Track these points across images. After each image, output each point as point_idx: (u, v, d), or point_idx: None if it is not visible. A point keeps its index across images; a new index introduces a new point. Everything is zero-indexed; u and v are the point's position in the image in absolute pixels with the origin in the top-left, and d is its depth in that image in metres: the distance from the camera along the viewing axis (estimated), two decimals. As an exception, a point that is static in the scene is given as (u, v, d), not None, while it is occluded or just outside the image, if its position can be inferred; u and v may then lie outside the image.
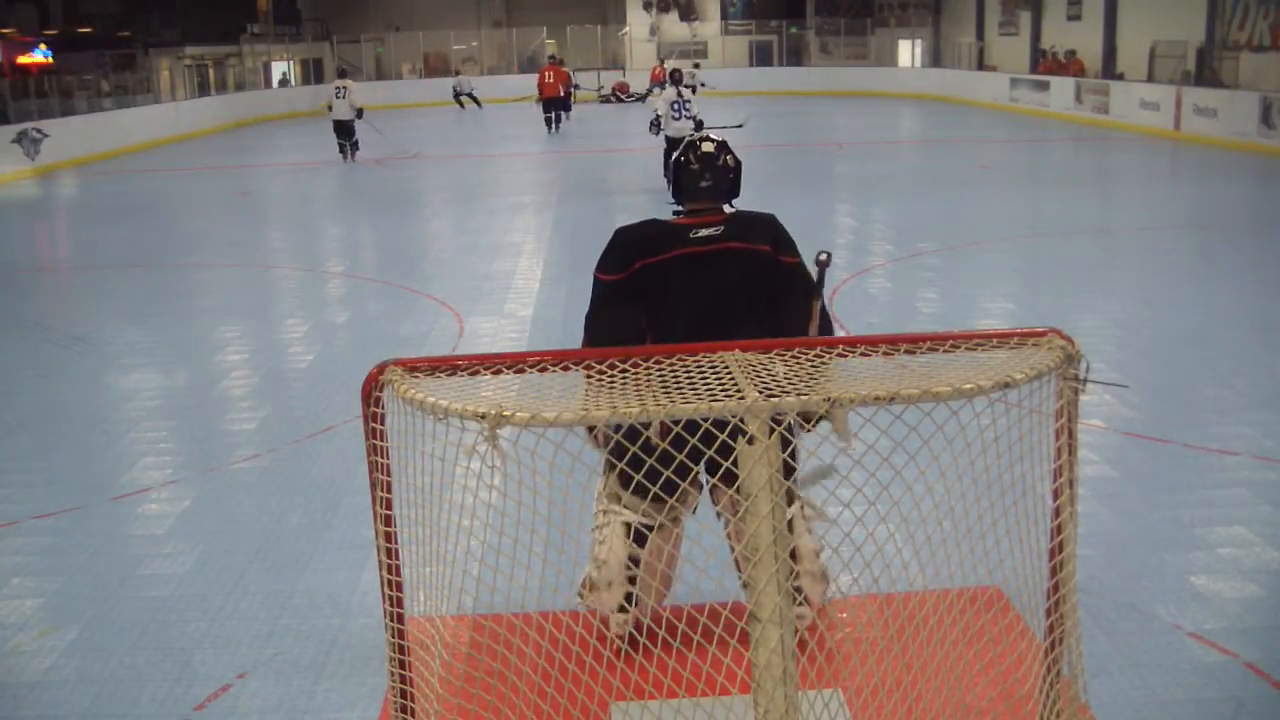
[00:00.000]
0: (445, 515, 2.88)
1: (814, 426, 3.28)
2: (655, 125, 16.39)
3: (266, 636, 4.39)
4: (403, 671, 2.93)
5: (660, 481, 2.92)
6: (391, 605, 2.90)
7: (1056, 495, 2.80)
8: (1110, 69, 28.07)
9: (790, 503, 3.54)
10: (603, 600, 3.80)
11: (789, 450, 2.91)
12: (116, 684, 4.09)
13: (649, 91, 29.11)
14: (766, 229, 3.82)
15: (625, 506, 3.72)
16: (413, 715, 2.97)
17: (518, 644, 3.63)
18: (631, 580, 3.74)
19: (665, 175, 16.64)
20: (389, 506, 2.78)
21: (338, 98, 21.65)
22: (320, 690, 4.02)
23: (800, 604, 3.50)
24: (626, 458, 3.16)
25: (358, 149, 22.06)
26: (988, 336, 2.85)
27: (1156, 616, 4.34)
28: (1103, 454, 5.99)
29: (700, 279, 3.66)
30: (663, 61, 35.11)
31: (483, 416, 2.43)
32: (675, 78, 16.72)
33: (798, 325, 3.68)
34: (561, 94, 26.98)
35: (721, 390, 2.54)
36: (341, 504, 5.62)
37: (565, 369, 2.74)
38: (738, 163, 3.89)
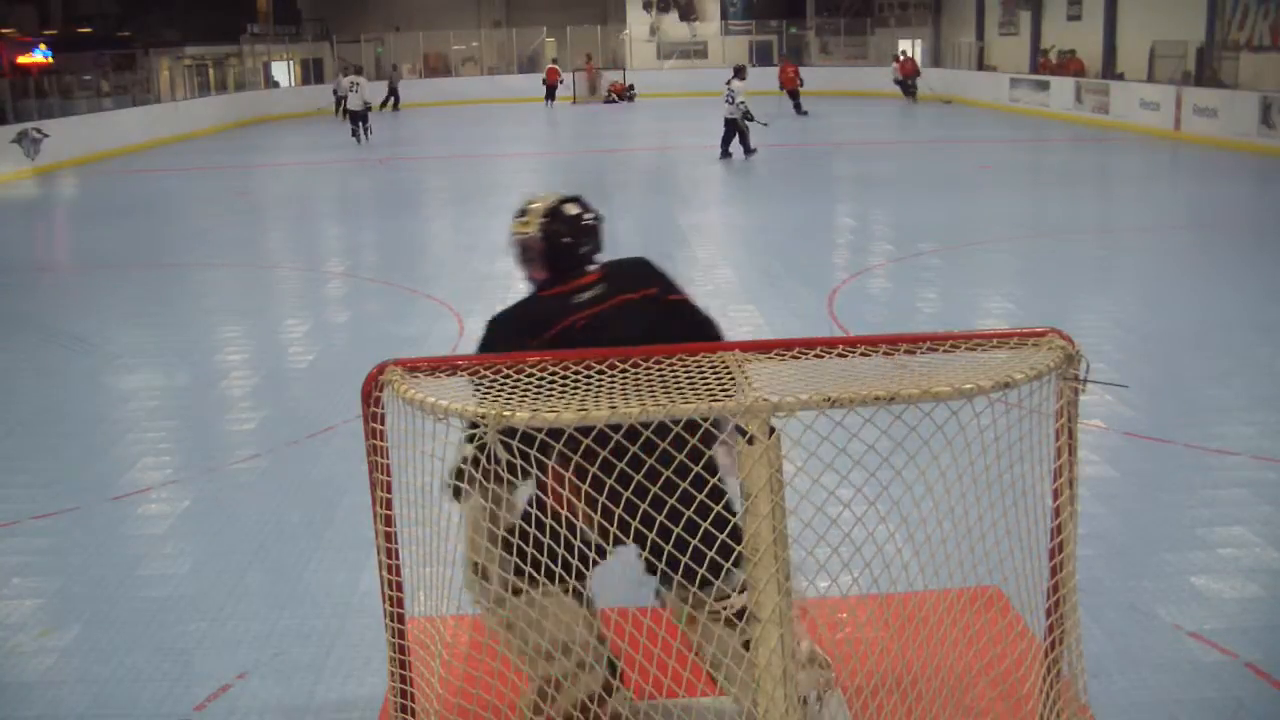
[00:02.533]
0: (445, 515, 2.89)
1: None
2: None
3: (266, 636, 4.39)
4: (403, 671, 2.93)
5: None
6: (391, 605, 2.90)
7: (1056, 495, 2.80)
8: (1110, 69, 28.07)
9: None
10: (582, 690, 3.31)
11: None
12: (116, 684, 4.09)
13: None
14: (646, 271, 3.53)
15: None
16: (413, 715, 2.97)
17: (518, 644, 3.63)
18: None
19: (722, 150, 20.15)
20: (389, 506, 2.79)
21: (352, 91, 25.76)
22: (320, 690, 4.02)
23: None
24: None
25: (371, 133, 25.80)
26: (988, 336, 2.85)
27: (1156, 616, 4.34)
28: (1103, 454, 5.99)
29: (603, 343, 3.21)
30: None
31: (483, 416, 2.43)
32: (738, 73, 20.17)
33: None
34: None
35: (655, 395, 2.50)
36: (341, 504, 5.62)
37: (565, 369, 2.74)
38: (599, 215, 3.54)
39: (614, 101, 37.55)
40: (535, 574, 3.18)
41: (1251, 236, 12.72)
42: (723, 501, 2.99)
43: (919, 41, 40.43)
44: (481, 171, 20.88)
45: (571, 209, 3.43)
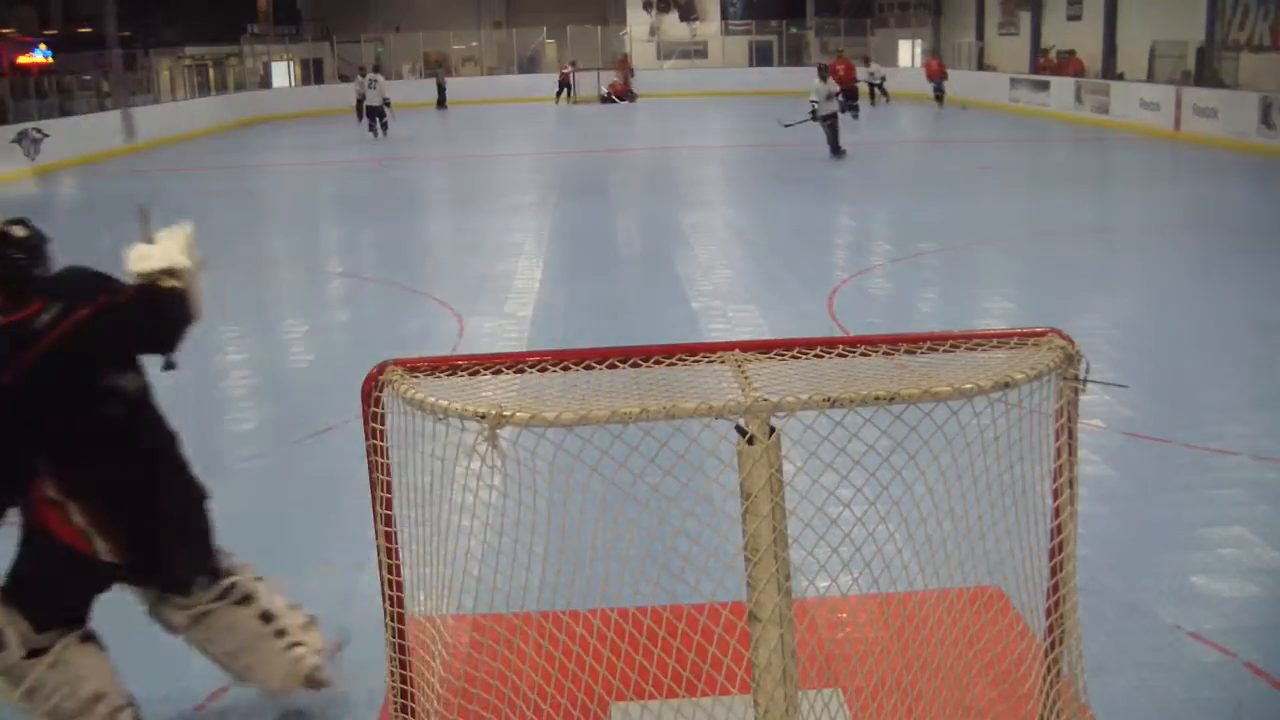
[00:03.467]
0: (445, 515, 2.88)
1: None
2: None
3: (266, 636, 4.38)
4: (403, 671, 2.92)
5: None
6: (391, 605, 2.90)
7: (1056, 495, 2.80)
8: (1110, 69, 28.07)
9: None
10: None
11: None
12: (116, 684, 4.08)
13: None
14: (92, 279, 3.48)
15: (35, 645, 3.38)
16: (413, 715, 2.97)
17: (518, 644, 3.63)
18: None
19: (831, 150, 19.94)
20: (389, 506, 2.78)
21: (370, 88, 27.09)
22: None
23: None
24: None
25: (388, 128, 26.81)
26: (988, 336, 2.85)
27: (1156, 616, 4.34)
28: (1103, 454, 5.99)
29: (75, 369, 3.30)
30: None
31: (483, 416, 2.43)
32: (822, 73, 20.34)
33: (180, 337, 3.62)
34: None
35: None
36: (341, 504, 5.62)
37: (565, 369, 2.73)
38: (46, 235, 3.49)
39: (612, 102, 37.50)
40: (55, 623, 3.34)
41: (1251, 236, 12.71)
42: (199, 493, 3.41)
43: (919, 41, 40.44)
44: (485, 171, 20.87)
45: (19, 231, 3.38)
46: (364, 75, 28.62)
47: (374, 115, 26.85)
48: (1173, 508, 5.34)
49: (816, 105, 19.68)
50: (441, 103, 36.51)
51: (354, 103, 29.04)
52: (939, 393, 2.47)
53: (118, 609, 4.63)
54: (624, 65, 39.07)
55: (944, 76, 31.95)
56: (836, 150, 19.86)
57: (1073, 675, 2.89)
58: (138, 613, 4.59)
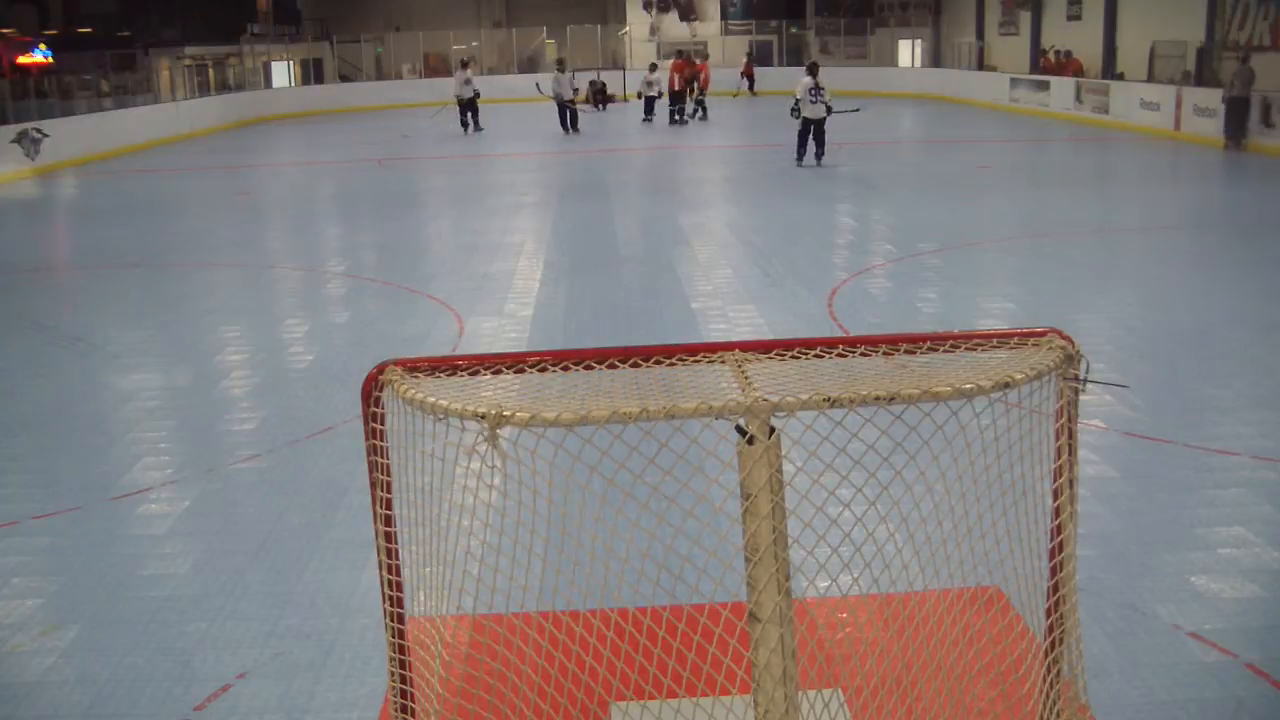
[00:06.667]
0: (445, 515, 2.88)
1: None
2: (795, 109, 18.91)
3: (266, 636, 4.39)
4: (403, 671, 2.92)
5: None
6: (391, 605, 2.90)
7: (1056, 495, 2.80)
8: (1110, 69, 28.07)
9: None
10: None
11: None
12: (116, 684, 4.09)
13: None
14: None
15: None
16: (413, 715, 2.97)
17: (518, 644, 3.63)
18: None
19: (798, 151, 18.86)
20: (389, 506, 2.78)
21: (464, 85, 27.63)
22: (320, 690, 4.02)
23: None
24: None
25: (480, 126, 27.68)
26: (988, 336, 2.85)
27: (1156, 616, 4.34)
28: (1103, 454, 5.99)
29: None
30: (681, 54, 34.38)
31: (483, 416, 2.43)
32: (812, 70, 18.84)
33: None
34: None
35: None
36: (341, 504, 5.62)
37: (565, 369, 2.73)
38: None
39: (599, 107, 37.18)
40: None
41: (1251, 236, 12.72)
42: None
43: (919, 41, 40.44)
44: (480, 171, 20.86)
45: None
46: (465, 68, 28.44)
47: (466, 108, 27.34)
48: (1173, 508, 5.34)
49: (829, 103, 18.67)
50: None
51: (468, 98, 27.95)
52: (939, 393, 2.47)
53: (120, 610, 4.65)
54: (702, 66, 33.13)
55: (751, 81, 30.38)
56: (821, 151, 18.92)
57: (1073, 675, 2.89)
58: (139, 613, 4.61)
